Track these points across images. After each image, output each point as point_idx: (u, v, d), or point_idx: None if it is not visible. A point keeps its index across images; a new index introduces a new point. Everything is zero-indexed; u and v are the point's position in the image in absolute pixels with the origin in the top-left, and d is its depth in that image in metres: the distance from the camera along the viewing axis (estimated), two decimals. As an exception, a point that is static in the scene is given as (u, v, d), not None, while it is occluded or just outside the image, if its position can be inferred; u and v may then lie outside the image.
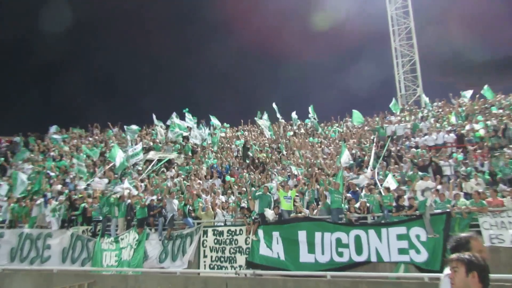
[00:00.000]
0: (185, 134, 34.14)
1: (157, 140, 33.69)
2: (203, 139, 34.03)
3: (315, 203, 19.64)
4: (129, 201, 20.98)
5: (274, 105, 36.17)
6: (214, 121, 38.44)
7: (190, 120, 35.97)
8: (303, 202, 20.05)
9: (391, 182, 19.43)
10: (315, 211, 18.61)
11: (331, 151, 27.43)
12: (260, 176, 24.68)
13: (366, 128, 32.19)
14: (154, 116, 37.87)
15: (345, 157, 23.23)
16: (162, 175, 26.70)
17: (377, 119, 34.63)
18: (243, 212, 19.18)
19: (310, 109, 36.96)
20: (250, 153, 29.27)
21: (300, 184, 21.17)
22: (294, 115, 37.79)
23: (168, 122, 36.39)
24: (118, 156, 26.52)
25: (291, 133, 34.72)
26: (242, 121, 40.64)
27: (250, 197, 20.08)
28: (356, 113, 33.94)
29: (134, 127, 35.54)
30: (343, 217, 17.46)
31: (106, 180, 25.12)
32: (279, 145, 30.90)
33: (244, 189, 22.86)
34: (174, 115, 36.56)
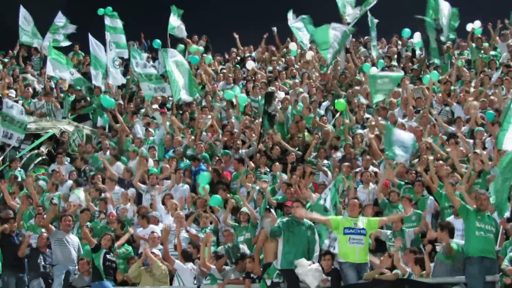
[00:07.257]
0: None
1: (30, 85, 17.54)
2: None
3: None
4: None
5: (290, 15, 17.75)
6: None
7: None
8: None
9: None
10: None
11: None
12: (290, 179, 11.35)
13: None
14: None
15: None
16: (34, 173, 13.34)
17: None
18: (242, 266, 9.34)
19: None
20: (274, 113, 13.52)
21: (408, 204, 9.66)
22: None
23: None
24: None
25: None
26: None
27: (263, 232, 9.31)
28: None
29: None
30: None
31: None
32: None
33: (246, 211, 10.51)
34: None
